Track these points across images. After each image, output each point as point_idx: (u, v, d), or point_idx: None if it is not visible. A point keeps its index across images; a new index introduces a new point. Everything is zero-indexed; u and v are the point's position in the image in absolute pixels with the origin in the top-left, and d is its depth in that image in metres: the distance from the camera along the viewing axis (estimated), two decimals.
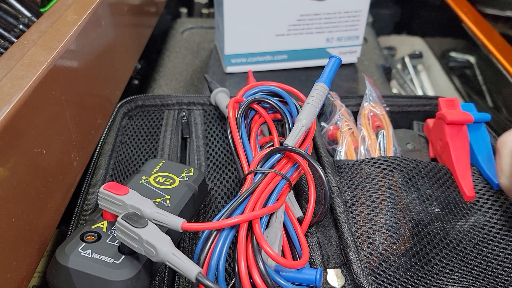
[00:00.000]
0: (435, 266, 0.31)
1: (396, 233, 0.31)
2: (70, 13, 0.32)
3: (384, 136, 0.39)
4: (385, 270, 0.29)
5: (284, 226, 0.30)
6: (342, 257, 0.31)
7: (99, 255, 0.25)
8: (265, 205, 0.29)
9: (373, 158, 0.36)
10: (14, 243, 0.24)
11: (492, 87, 0.58)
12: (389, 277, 0.29)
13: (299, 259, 0.28)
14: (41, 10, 0.38)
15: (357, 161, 0.36)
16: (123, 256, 0.25)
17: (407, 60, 0.73)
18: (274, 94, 0.36)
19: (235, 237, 0.27)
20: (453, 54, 0.67)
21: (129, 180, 0.31)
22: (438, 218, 0.33)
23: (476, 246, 0.32)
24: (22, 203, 0.24)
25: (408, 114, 0.45)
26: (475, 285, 0.29)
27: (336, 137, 0.40)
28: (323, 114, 0.43)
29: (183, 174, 0.32)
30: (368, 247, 0.30)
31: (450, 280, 0.30)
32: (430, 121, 0.42)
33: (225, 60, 0.52)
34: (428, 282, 0.29)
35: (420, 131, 0.44)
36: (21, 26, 0.34)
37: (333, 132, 0.40)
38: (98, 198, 0.27)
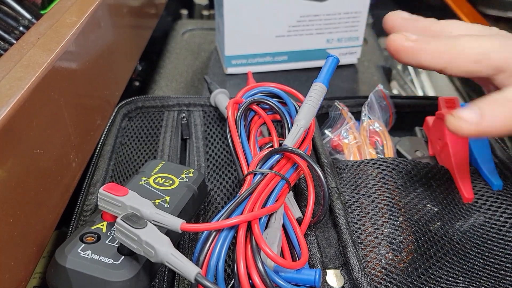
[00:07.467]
0: (434, 265, 0.30)
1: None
2: (70, 15, 0.32)
3: (383, 147, 0.39)
4: (383, 269, 0.29)
5: (284, 227, 0.30)
6: (342, 257, 0.31)
7: (98, 256, 0.25)
8: (264, 205, 0.29)
9: (372, 159, 0.36)
10: (12, 243, 0.24)
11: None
12: (388, 277, 0.29)
13: (298, 259, 0.28)
14: (41, 12, 0.38)
15: (356, 162, 0.36)
16: (123, 256, 0.25)
17: None
18: (273, 95, 0.36)
19: (235, 238, 0.27)
20: None
21: (128, 181, 0.31)
22: (437, 217, 0.33)
23: (475, 246, 0.32)
24: (20, 204, 0.24)
25: (408, 114, 0.45)
26: (474, 284, 0.29)
27: (340, 148, 0.40)
28: (328, 120, 0.43)
29: (183, 175, 0.32)
30: (367, 246, 0.30)
31: (450, 279, 0.30)
32: (429, 119, 0.42)
33: (225, 61, 0.52)
34: (427, 280, 0.29)
35: (424, 136, 0.44)
36: (21, 28, 0.34)
37: (338, 144, 0.40)
38: (98, 199, 0.27)
